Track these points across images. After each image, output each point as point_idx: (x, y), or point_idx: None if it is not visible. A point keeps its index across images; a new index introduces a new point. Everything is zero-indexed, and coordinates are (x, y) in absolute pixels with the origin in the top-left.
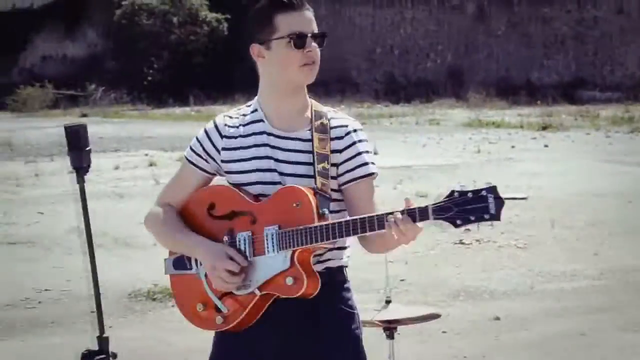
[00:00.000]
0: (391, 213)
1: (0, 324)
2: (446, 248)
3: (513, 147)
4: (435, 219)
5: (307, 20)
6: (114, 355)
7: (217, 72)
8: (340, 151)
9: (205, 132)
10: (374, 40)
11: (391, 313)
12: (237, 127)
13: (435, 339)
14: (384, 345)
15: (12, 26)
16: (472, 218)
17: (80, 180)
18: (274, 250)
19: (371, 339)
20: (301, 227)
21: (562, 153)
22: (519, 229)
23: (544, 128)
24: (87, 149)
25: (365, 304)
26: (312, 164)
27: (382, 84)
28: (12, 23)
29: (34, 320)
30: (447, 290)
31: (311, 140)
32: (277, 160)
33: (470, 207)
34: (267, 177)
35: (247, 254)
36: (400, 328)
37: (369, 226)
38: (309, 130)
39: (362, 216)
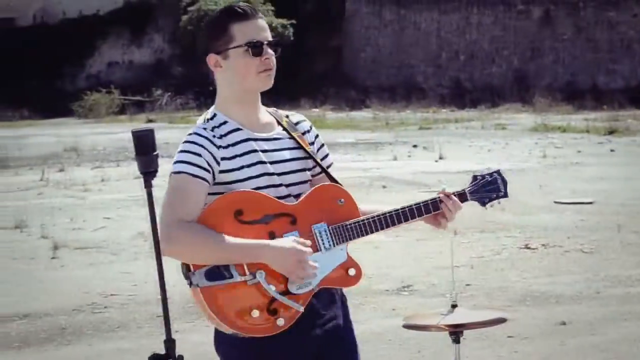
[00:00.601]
0: (436, 198)
1: (68, 329)
2: (512, 253)
3: (579, 151)
4: (470, 199)
5: (262, 28)
6: (181, 359)
7: (282, 77)
8: (312, 144)
9: (200, 145)
10: (439, 45)
11: (457, 317)
12: (221, 137)
13: (501, 344)
14: (449, 349)
15: (79, 32)
16: (494, 196)
17: (148, 185)
18: (329, 245)
19: (437, 344)
20: (357, 220)
21: (629, 157)
22: (585, 234)
23: (610, 132)
24: (155, 153)
25: (431, 309)
26: (301, 158)
27: (448, 89)
28: (79, 29)
29: (100, 324)
30: (512, 294)
31: (292, 137)
32: (271, 162)
33: (488, 188)
34: (266, 180)
35: None
36: (466, 332)
37: (425, 210)
38: (283, 130)
39: (417, 202)
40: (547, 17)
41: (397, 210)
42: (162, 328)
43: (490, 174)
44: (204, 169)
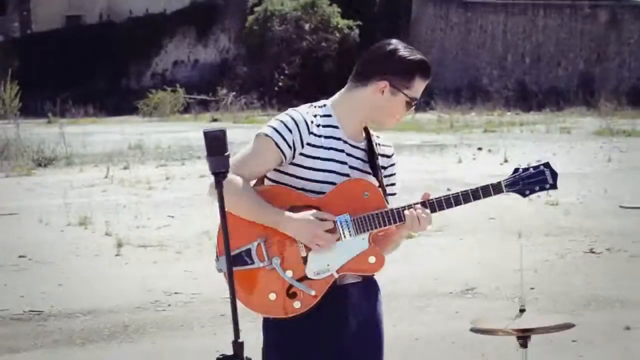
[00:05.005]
0: (465, 191)
1: (131, 326)
2: (576, 257)
3: None
4: (507, 191)
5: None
6: None
7: (348, 79)
8: (385, 168)
9: (296, 123)
10: (505, 47)
11: (526, 322)
12: (319, 126)
13: (565, 348)
14: (513, 353)
15: (145, 31)
16: (537, 188)
17: (219, 186)
18: (351, 234)
19: (501, 347)
20: (377, 211)
21: None
22: None
23: None
24: (227, 154)
25: (495, 312)
26: (370, 173)
27: (513, 92)
28: (145, 28)
29: (163, 322)
30: (577, 299)
31: (371, 151)
32: (350, 166)
33: (533, 180)
34: (335, 177)
35: None
36: (532, 337)
37: (448, 204)
38: (367, 143)
39: (438, 196)
40: (614, 20)
41: (424, 202)
42: (224, 327)
43: (536, 167)
44: (288, 144)
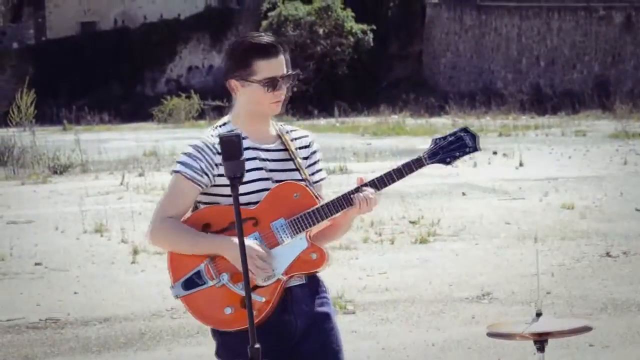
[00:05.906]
0: (388, 172)
1: (147, 334)
2: (593, 260)
3: None
4: (429, 163)
5: (281, 64)
6: None
7: (362, 83)
8: (306, 158)
9: (199, 150)
10: (520, 50)
11: (543, 326)
12: None
13: (582, 352)
14: (530, 357)
15: (160, 37)
16: (457, 154)
17: (235, 190)
18: (288, 237)
19: (517, 352)
20: (309, 209)
21: None
22: None
23: None
24: (242, 159)
25: (511, 317)
26: (292, 169)
27: (528, 95)
28: (160, 34)
29: (179, 329)
30: (593, 303)
31: (287, 150)
32: (269, 170)
33: (453, 147)
34: (264, 185)
35: None
36: (549, 341)
37: (383, 183)
38: (282, 142)
39: (371, 178)
40: (629, 22)
41: (335, 198)
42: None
43: (453, 133)
44: (198, 173)
